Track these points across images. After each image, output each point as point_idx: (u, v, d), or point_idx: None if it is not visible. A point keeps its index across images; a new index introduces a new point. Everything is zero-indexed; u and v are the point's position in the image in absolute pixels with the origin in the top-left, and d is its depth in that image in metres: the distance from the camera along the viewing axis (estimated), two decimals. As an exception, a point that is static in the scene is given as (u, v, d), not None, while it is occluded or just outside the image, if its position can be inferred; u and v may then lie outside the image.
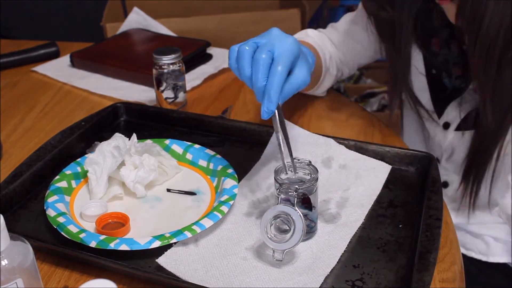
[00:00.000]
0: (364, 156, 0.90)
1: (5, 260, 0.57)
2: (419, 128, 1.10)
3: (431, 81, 1.01)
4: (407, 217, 0.80)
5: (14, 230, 0.77)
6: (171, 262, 0.72)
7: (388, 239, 0.76)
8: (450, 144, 1.01)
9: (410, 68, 1.00)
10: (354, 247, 0.75)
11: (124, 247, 0.72)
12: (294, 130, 0.95)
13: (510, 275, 1.03)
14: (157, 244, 0.73)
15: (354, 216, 0.79)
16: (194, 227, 0.75)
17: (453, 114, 0.99)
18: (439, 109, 1.02)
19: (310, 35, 1.11)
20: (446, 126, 1.01)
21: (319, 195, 0.79)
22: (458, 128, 0.99)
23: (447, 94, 0.99)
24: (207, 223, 0.76)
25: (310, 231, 0.76)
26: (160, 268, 0.72)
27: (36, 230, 0.80)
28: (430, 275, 0.66)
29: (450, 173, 1.05)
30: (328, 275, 0.70)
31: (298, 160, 0.76)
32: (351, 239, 0.76)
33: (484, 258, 1.04)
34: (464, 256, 1.05)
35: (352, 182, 0.86)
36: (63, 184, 0.85)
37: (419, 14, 1.00)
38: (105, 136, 0.96)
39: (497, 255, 1.03)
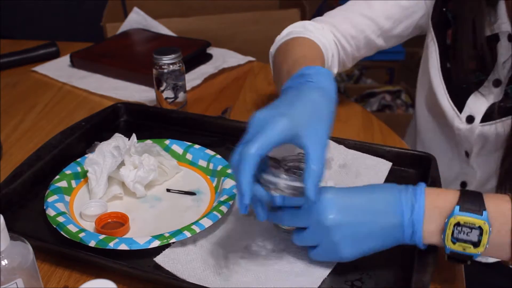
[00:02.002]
0: (365, 154, 0.90)
1: (5, 260, 0.57)
2: (438, 128, 1.06)
3: (446, 76, 0.99)
4: (407, 217, 0.80)
5: (14, 230, 0.77)
6: (169, 261, 0.72)
7: (387, 239, 0.76)
8: (479, 137, 0.97)
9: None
10: (354, 247, 0.75)
11: (123, 247, 0.72)
12: None
13: (508, 273, 1.03)
14: (156, 243, 0.73)
15: None
16: (193, 227, 0.75)
17: (475, 106, 0.96)
18: (459, 103, 0.98)
19: (311, 30, 1.02)
20: (470, 119, 0.97)
21: None
22: (483, 120, 0.96)
23: (464, 88, 0.97)
24: (207, 223, 0.76)
25: None
26: (160, 268, 0.72)
27: (36, 230, 0.80)
28: (430, 275, 0.66)
29: (469, 173, 1.03)
30: (327, 275, 0.70)
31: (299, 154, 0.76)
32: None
33: (483, 260, 1.04)
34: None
35: (352, 181, 0.86)
36: (63, 184, 0.85)
37: (437, 3, 1.00)
38: (105, 136, 0.96)
39: None
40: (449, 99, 0.99)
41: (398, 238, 0.67)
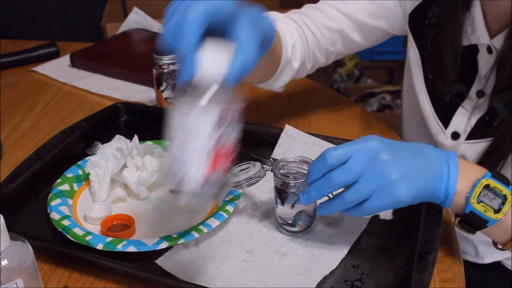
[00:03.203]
0: None
1: (5, 260, 0.57)
2: (426, 141, 1.03)
3: (429, 87, 0.97)
4: (407, 217, 0.80)
5: (13, 229, 0.77)
6: (170, 263, 0.72)
7: (387, 240, 0.76)
8: (462, 155, 0.95)
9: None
10: (354, 247, 0.75)
11: (131, 249, 0.72)
12: (299, 136, 0.93)
13: (506, 274, 1.03)
14: (164, 245, 0.72)
15: (358, 220, 0.79)
16: (201, 227, 0.75)
17: (461, 122, 0.94)
18: (445, 118, 0.96)
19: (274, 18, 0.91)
20: (455, 136, 0.96)
21: (323, 198, 0.79)
22: (469, 138, 0.94)
23: (448, 102, 0.95)
24: (214, 223, 0.76)
25: (308, 226, 0.77)
26: (160, 268, 0.72)
27: (36, 230, 0.80)
28: (429, 275, 0.66)
29: None
30: (327, 275, 0.70)
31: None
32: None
33: (479, 261, 1.03)
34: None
35: None
36: (65, 187, 0.85)
37: (416, 11, 0.98)
38: (105, 136, 0.96)
39: (489, 256, 1.02)
40: (434, 113, 0.98)
41: (437, 183, 0.68)
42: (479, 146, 0.93)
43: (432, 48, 0.96)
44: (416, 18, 0.98)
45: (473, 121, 0.93)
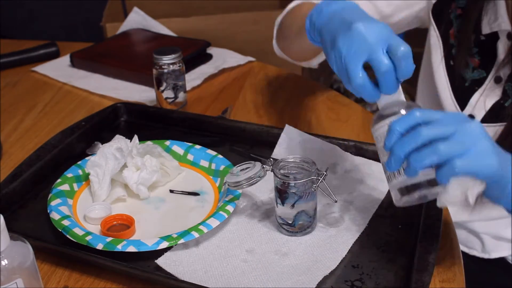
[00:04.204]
0: (370, 161, 0.90)
1: (5, 260, 0.57)
2: None
3: (450, 73, 1.00)
4: (407, 217, 0.80)
5: (14, 229, 0.77)
6: (170, 263, 0.72)
7: (387, 240, 0.76)
8: None
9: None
10: (354, 247, 0.75)
11: (131, 249, 0.72)
12: (299, 136, 0.94)
13: (510, 270, 1.03)
14: (164, 245, 0.73)
15: (358, 220, 0.79)
16: (201, 227, 0.75)
17: (477, 106, 0.97)
18: (462, 101, 0.99)
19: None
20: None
21: (323, 198, 0.79)
22: (483, 121, 0.96)
23: (467, 87, 0.98)
24: (214, 223, 0.76)
25: (308, 226, 0.77)
26: (160, 268, 0.72)
27: (36, 230, 0.80)
28: (430, 275, 0.66)
29: None
30: (327, 275, 0.70)
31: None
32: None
33: (486, 256, 1.04)
34: (465, 254, 1.05)
35: (357, 186, 0.86)
36: (65, 187, 0.85)
37: (440, 1, 1.01)
38: (105, 136, 0.96)
39: (496, 251, 1.03)
40: (453, 96, 1.00)
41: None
42: (492, 130, 0.95)
43: (456, 37, 0.98)
44: (440, 7, 1.01)
45: (488, 105, 0.95)
